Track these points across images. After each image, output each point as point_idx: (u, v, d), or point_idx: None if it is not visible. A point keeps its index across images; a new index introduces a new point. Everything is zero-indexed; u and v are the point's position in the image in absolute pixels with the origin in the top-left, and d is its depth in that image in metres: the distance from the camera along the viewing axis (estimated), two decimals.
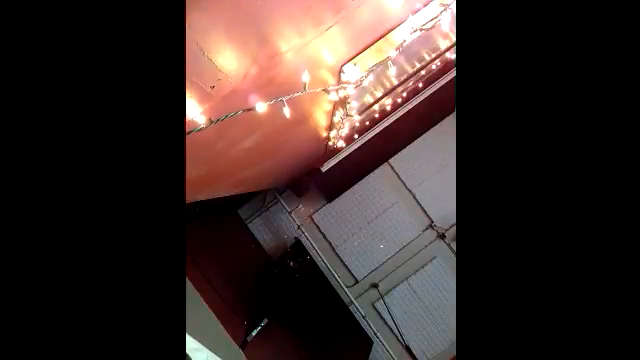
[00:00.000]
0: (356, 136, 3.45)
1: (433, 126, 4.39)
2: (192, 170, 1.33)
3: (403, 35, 1.26)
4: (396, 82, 2.18)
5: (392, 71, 1.36)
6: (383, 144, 3.97)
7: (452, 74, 3.17)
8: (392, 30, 1.36)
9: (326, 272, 4.26)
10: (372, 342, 4.15)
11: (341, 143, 2.96)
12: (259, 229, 4.43)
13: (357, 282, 4.36)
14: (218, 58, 0.85)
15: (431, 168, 4.38)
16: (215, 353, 1.88)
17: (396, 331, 4.17)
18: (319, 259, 4.31)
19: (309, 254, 4.15)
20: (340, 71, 1.40)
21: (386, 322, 4.28)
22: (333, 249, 4.38)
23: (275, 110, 1.03)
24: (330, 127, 2.37)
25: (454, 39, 1.88)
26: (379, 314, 4.30)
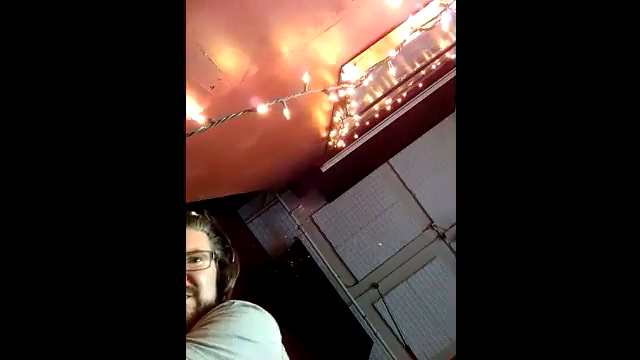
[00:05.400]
0: (356, 136, 3.44)
1: (433, 126, 4.38)
2: (191, 170, 1.33)
3: (403, 35, 1.26)
4: (396, 82, 2.18)
5: (392, 71, 1.36)
6: (383, 144, 3.96)
7: (452, 74, 3.17)
8: (392, 30, 1.36)
9: (326, 272, 4.25)
10: (372, 342, 4.15)
11: (341, 143, 2.95)
12: (259, 229, 4.42)
13: (357, 282, 4.35)
14: (218, 58, 0.85)
15: (431, 168, 4.37)
16: None
17: (396, 331, 4.16)
18: (319, 259, 4.30)
19: (309, 254, 4.15)
20: (340, 71, 1.40)
21: (386, 322, 4.27)
22: (333, 249, 4.37)
23: (275, 110, 1.03)
24: (330, 127, 2.37)
25: (454, 39, 1.88)
26: (379, 314, 4.29)
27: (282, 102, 1.02)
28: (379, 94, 2.24)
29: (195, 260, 0.87)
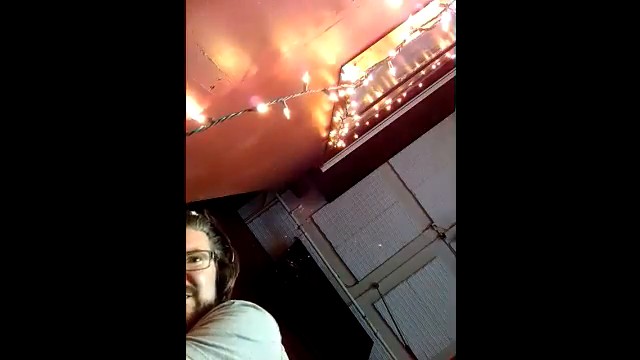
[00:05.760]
0: (356, 136, 3.44)
1: (433, 126, 4.38)
2: (191, 170, 1.33)
3: (403, 35, 1.26)
4: (396, 82, 2.18)
5: (392, 71, 1.36)
6: (383, 144, 3.96)
7: (452, 74, 3.16)
8: (392, 30, 1.36)
9: (326, 272, 4.25)
10: (372, 342, 4.15)
11: (341, 143, 2.95)
12: (259, 229, 4.42)
13: (357, 282, 4.35)
14: (218, 58, 0.85)
15: (431, 168, 4.36)
16: None
17: (396, 331, 4.16)
18: (319, 259, 4.30)
19: (309, 254, 4.14)
20: (340, 71, 1.40)
21: (386, 322, 4.27)
22: (333, 249, 4.37)
23: (275, 110, 1.03)
24: (330, 127, 2.37)
25: (454, 39, 1.88)
26: (379, 314, 4.29)
27: (282, 102, 1.02)
28: (379, 94, 2.24)
29: (195, 260, 0.87)
